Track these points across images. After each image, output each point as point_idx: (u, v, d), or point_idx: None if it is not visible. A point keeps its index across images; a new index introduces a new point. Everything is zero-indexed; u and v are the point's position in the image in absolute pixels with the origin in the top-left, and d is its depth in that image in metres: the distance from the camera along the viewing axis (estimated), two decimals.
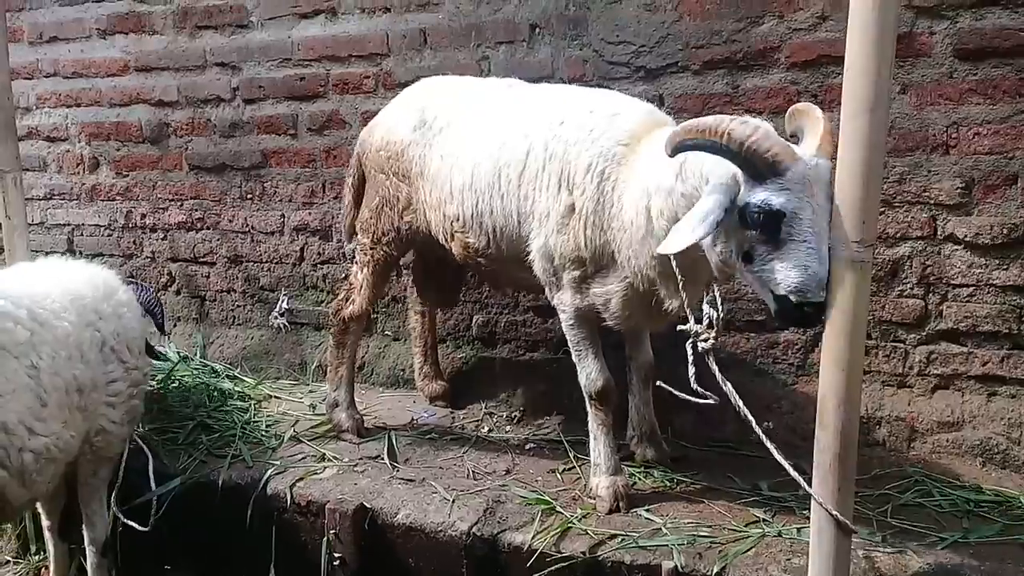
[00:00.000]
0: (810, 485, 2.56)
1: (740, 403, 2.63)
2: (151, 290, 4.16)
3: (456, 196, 3.66)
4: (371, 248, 4.14)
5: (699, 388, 2.70)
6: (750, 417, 2.60)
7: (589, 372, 3.50)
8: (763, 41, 3.98)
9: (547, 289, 3.51)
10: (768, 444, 2.58)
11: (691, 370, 2.75)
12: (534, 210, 3.40)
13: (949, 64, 3.69)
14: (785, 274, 2.54)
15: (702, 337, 2.75)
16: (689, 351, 2.78)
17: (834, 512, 2.49)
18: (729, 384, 2.65)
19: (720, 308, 2.75)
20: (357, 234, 4.27)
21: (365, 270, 4.19)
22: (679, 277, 2.86)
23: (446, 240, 3.80)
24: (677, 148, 2.65)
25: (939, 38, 3.68)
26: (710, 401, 2.69)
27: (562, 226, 3.30)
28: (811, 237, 2.49)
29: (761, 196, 2.53)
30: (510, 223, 3.51)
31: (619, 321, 3.37)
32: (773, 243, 2.56)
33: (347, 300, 4.26)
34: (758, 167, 2.51)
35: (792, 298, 2.54)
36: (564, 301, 3.44)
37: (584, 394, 3.55)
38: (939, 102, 3.72)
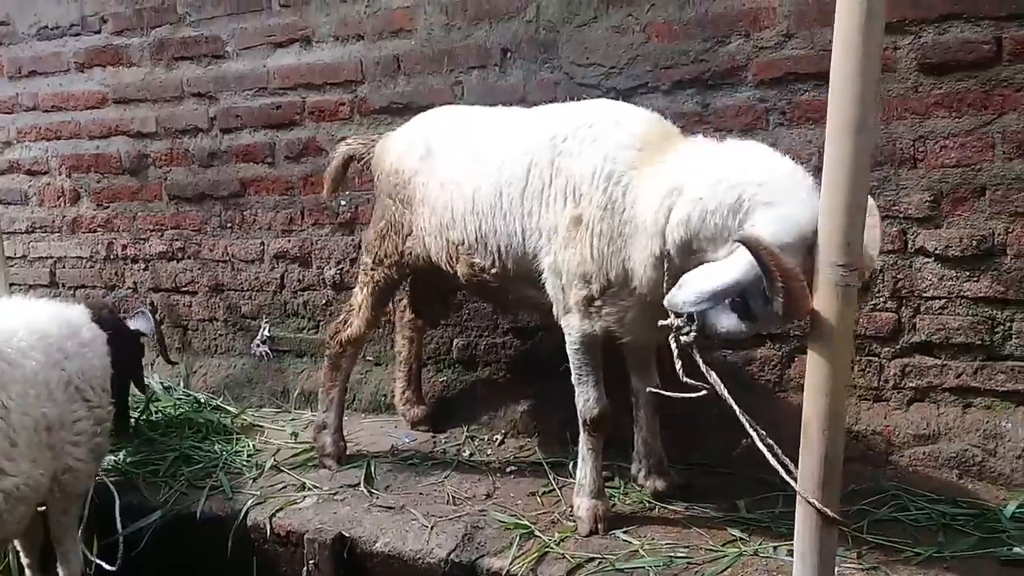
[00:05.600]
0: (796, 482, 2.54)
1: (725, 391, 2.62)
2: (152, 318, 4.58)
3: (459, 221, 3.68)
4: (372, 268, 4.15)
5: (688, 380, 2.71)
6: (735, 405, 2.59)
7: (588, 398, 3.47)
8: (731, 60, 4.01)
9: (555, 310, 3.49)
10: (753, 433, 2.57)
11: (677, 363, 2.76)
12: (540, 226, 3.40)
13: (914, 78, 3.71)
14: (723, 325, 2.77)
15: (683, 331, 2.78)
16: (673, 345, 2.81)
17: (823, 508, 2.47)
18: (714, 373, 2.66)
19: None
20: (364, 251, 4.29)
21: (365, 290, 4.20)
22: (667, 278, 2.93)
23: (449, 263, 3.80)
24: (744, 244, 2.58)
25: (903, 53, 3.71)
26: (701, 393, 2.68)
27: (568, 240, 3.28)
28: (760, 328, 2.91)
29: (760, 311, 2.67)
30: (514, 241, 3.51)
31: (636, 336, 3.35)
32: (736, 309, 2.73)
33: (345, 323, 4.26)
34: (778, 305, 2.51)
35: (713, 336, 2.81)
36: (571, 324, 3.41)
37: (579, 418, 3.52)
38: (905, 116, 3.74)
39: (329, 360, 4.34)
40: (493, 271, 3.66)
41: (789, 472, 2.53)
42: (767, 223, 2.66)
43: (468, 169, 3.67)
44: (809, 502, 2.50)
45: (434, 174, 3.82)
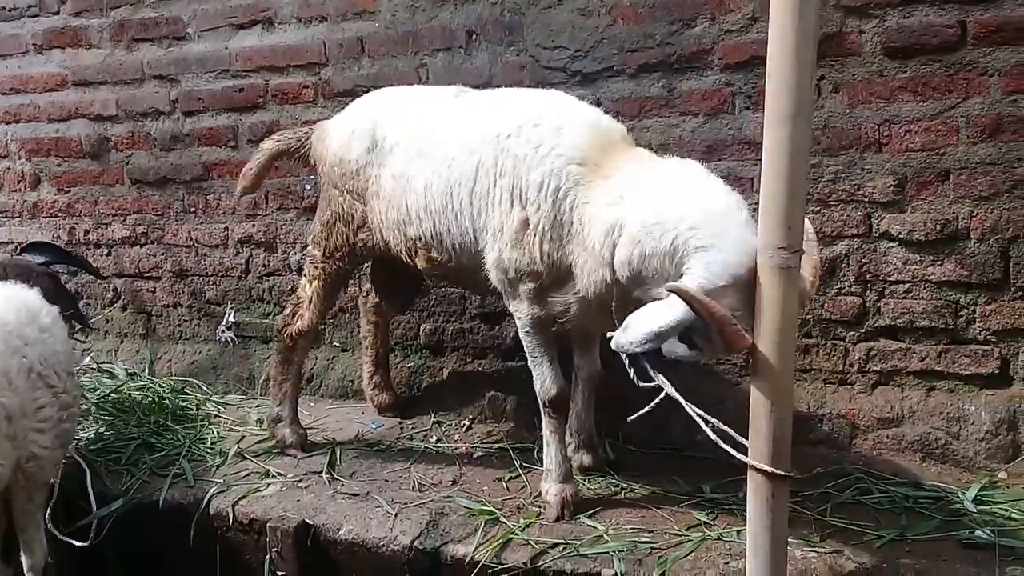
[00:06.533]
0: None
1: (674, 391, 2.71)
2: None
3: (414, 219, 3.64)
4: (322, 262, 4.08)
5: (641, 384, 2.81)
6: (685, 403, 2.69)
7: (544, 379, 3.48)
8: (696, 43, 3.99)
9: (504, 297, 3.50)
10: (702, 423, 2.66)
11: (630, 371, 2.84)
12: (487, 225, 3.39)
13: (879, 62, 3.71)
14: (666, 347, 2.76)
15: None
16: (624, 356, 2.85)
17: (770, 469, 2.51)
18: (662, 376, 2.74)
19: None
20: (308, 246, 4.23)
21: (315, 283, 4.12)
22: (614, 301, 3.02)
23: (409, 256, 3.77)
24: (678, 295, 2.61)
25: (868, 37, 3.70)
26: (660, 395, 2.77)
27: (516, 241, 3.28)
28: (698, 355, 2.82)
29: (700, 345, 2.70)
30: (467, 239, 3.50)
31: (579, 324, 3.38)
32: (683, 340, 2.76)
33: (294, 315, 4.18)
34: (717, 347, 2.60)
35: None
36: (520, 310, 3.42)
37: (538, 401, 3.53)
38: (870, 100, 3.73)
39: (280, 354, 4.28)
40: (451, 265, 3.65)
41: (743, 451, 2.57)
42: (700, 269, 2.71)
43: (415, 162, 3.63)
44: (758, 468, 2.54)
45: (384, 166, 3.77)
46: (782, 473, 2.54)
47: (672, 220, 2.83)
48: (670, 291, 2.63)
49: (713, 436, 2.64)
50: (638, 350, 2.71)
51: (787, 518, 2.64)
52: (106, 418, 4.66)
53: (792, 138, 2.33)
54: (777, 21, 2.31)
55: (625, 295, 3.00)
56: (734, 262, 2.67)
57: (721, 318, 2.51)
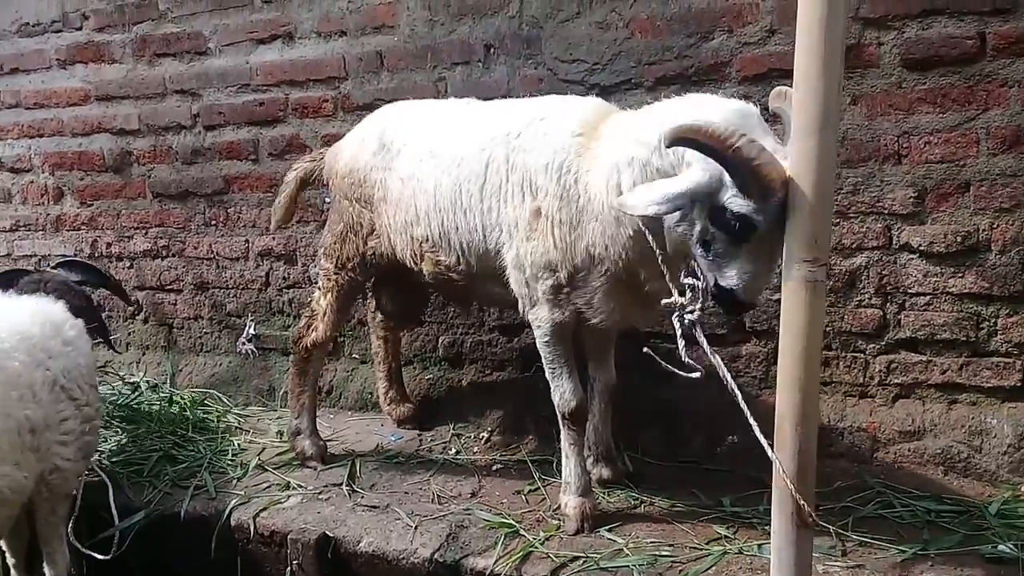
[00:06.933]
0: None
1: (727, 373, 2.60)
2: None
3: (422, 218, 3.66)
4: (335, 273, 4.11)
5: (688, 360, 2.70)
6: (735, 386, 2.58)
7: (563, 391, 3.47)
8: (714, 56, 3.99)
9: (521, 305, 3.49)
10: (751, 420, 2.54)
11: (680, 343, 2.77)
12: (500, 222, 3.40)
13: (898, 74, 3.70)
14: (739, 274, 2.74)
15: (687, 309, 2.77)
16: (676, 324, 2.80)
17: (800, 500, 2.46)
18: (717, 356, 2.65)
19: (701, 277, 2.78)
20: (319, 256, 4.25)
21: (328, 296, 4.16)
22: (656, 251, 2.92)
23: (414, 261, 3.79)
24: (676, 142, 2.62)
25: (887, 49, 3.69)
26: (696, 374, 2.68)
27: (530, 232, 3.29)
28: (773, 253, 2.64)
29: (744, 208, 2.62)
30: (476, 237, 3.51)
31: (607, 317, 3.32)
32: (736, 245, 2.71)
33: (309, 327, 4.21)
34: (750, 186, 2.55)
35: (740, 294, 2.75)
36: (540, 316, 3.41)
37: (557, 413, 3.52)
38: (889, 112, 3.72)
39: (295, 366, 4.31)
40: (459, 268, 3.65)
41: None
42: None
43: (425, 163, 3.66)
44: (793, 495, 2.49)
45: (392, 170, 3.80)
46: (808, 511, 2.49)
47: (655, 118, 2.93)
48: (671, 137, 2.60)
49: (758, 432, 2.53)
50: (642, 213, 2.74)
51: (812, 533, 2.61)
52: (128, 430, 4.69)
53: (819, 149, 2.31)
54: (805, 31, 2.29)
55: (656, 237, 2.92)
56: (725, 113, 2.72)
57: (727, 134, 2.49)
